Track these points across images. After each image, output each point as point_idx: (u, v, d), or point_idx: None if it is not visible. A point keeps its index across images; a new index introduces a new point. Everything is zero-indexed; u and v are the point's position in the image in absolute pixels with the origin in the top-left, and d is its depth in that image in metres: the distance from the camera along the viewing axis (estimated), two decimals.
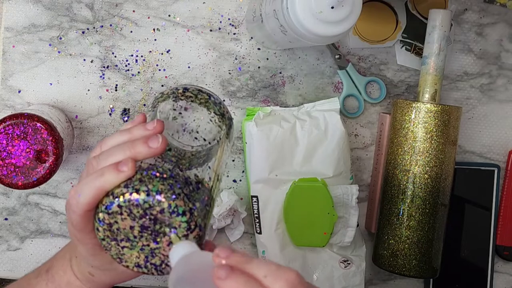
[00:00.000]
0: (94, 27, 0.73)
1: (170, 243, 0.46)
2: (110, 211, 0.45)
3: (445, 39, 0.72)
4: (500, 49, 0.81)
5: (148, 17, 0.74)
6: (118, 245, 0.46)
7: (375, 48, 0.78)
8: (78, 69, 0.73)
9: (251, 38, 0.76)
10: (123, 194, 0.44)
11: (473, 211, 0.79)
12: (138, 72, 0.74)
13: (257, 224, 0.73)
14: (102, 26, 0.73)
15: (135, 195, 0.44)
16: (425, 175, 0.71)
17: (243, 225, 0.77)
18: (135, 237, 0.46)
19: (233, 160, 0.77)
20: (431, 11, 0.73)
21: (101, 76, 0.74)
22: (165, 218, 0.45)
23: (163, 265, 0.48)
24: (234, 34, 0.75)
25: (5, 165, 0.61)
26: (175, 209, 0.45)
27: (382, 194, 0.75)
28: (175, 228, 0.45)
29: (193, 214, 0.45)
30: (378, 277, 0.80)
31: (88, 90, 0.74)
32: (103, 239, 0.46)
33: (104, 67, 0.74)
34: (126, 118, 0.74)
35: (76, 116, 0.74)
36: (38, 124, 0.62)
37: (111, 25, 0.73)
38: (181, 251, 0.43)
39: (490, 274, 0.80)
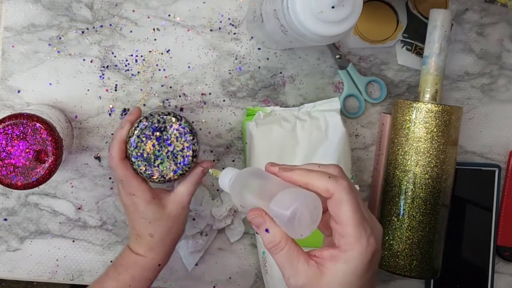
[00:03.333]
0: (93, 27, 0.73)
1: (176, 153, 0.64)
2: (135, 140, 0.64)
3: (446, 39, 0.72)
4: (501, 49, 0.81)
5: (148, 17, 0.74)
6: (151, 165, 0.64)
7: (375, 48, 0.78)
8: (77, 69, 0.73)
9: (251, 38, 0.75)
10: (136, 128, 0.64)
11: (474, 212, 0.79)
12: (138, 72, 0.74)
13: None
14: (101, 26, 0.73)
15: (143, 121, 0.64)
16: (426, 175, 0.71)
17: (243, 225, 0.77)
18: (158, 151, 0.64)
19: (233, 160, 0.77)
20: (432, 11, 0.73)
21: (100, 76, 0.74)
22: (168, 128, 0.64)
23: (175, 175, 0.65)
24: (234, 34, 0.75)
25: (5, 165, 0.61)
26: (174, 121, 0.64)
27: (383, 194, 0.74)
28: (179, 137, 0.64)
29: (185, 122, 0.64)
30: (378, 278, 0.80)
31: (88, 90, 0.74)
32: (140, 168, 0.64)
33: (103, 67, 0.73)
34: None
35: (76, 116, 0.74)
36: (38, 124, 0.61)
37: (110, 25, 0.73)
38: (230, 172, 0.54)
39: (491, 275, 0.79)
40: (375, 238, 0.45)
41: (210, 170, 0.61)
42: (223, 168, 0.56)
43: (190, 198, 0.66)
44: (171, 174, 0.65)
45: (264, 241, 0.48)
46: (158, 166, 0.64)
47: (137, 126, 0.64)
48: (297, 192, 0.47)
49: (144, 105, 0.74)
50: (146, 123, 0.64)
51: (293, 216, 0.45)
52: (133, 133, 0.64)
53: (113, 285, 0.65)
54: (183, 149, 0.64)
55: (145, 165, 0.64)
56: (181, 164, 0.65)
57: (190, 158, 0.65)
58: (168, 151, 0.64)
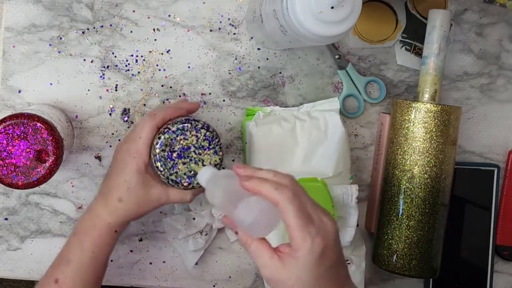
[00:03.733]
0: (94, 27, 0.73)
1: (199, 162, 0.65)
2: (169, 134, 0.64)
3: (445, 39, 0.72)
4: (500, 49, 0.81)
5: (148, 17, 0.74)
6: (172, 159, 0.64)
7: (375, 48, 0.78)
8: (78, 69, 0.73)
9: (251, 38, 0.76)
10: (186, 118, 0.65)
11: (473, 211, 0.79)
12: (138, 72, 0.74)
13: None
14: (102, 26, 0.73)
15: (195, 122, 0.65)
16: (425, 175, 0.71)
17: None
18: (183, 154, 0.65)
19: (233, 160, 0.77)
20: (431, 11, 0.73)
21: (101, 76, 0.74)
22: (200, 138, 0.65)
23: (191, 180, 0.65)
24: (234, 34, 0.75)
25: (5, 165, 0.61)
26: (205, 129, 0.65)
27: (382, 194, 0.75)
28: (209, 148, 0.65)
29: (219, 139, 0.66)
30: (378, 277, 0.80)
31: (88, 90, 0.74)
32: (160, 155, 0.64)
33: (104, 67, 0.74)
34: (126, 118, 0.75)
35: (76, 116, 0.74)
36: (38, 124, 0.62)
37: (111, 25, 0.73)
38: (208, 171, 0.60)
39: (490, 274, 0.80)
40: (322, 237, 0.53)
41: (191, 165, 0.64)
42: (203, 165, 0.64)
43: (174, 203, 0.70)
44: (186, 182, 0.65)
45: (238, 239, 0.59)
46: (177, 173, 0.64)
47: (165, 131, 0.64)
48: (257, 201, 0.53)
49: (144, 105, 0.75)
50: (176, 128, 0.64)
51: (252, 223, 0.52)
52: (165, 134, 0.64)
53: (78, 255, 0.64)
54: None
55: (165, 166, 0.64)
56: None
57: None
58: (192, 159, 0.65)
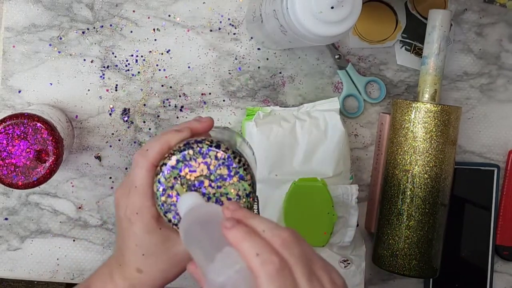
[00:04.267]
0: (94, 27, 0.73)
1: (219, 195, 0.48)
2: (180, 159, 0.47)
3: (444, 39, 0.72)
4: (500, 49, 0.81)
5: (148, 17, 0.74)
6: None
7: (375, 48, 0.78)
8: (78, 69, 0.73)
9: (251, 38, 0.76)
10: (186, 142, 0.48)
11: (473, 211, 0.79)
12: (138, 72, 0.74)
13: None
14: (102, 26, 0.73)
15: (197, 145, 0.47)
16: (425, 175, 0.71)
17: None
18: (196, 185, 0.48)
19: None
20: (431, 11, 0.73)
21: (101, 76, 0.74)
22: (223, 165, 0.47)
23: None
24: (234, 34, 0.75)
25: (5, 165, 0.62)
26: (232, 158, 0.48)
27: (382, 194, 0.75)
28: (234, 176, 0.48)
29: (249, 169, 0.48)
30: (378, 277, 0.80)
31: (88, 90, 0.74)
32: (164, 191, 0.48)
33: (104, 67, 0.74)
34: (126, 118, 0.75)
35: (76, 116, 0.74)
36: (38, 124, 0.62)
37: (111, 25, 0.73)
38: (189, 201, 0.46)
39: (490, 274, 0.80)
40: None
41: (176, 185, 0.48)
42: (187, 190, 0.48)
43: None
44: None
45: None
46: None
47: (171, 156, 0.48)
48: (232, 262, 0.41)
49: (144, 105, 0.75)
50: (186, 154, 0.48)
51: (223, 284, 0.40)
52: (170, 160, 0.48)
53: None
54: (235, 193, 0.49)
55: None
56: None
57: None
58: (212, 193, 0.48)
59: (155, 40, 0.74)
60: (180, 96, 0.75)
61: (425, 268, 0.72)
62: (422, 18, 0.78)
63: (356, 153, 0.79)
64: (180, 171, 0.47)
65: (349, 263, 0.74)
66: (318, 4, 0.56)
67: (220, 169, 0.47)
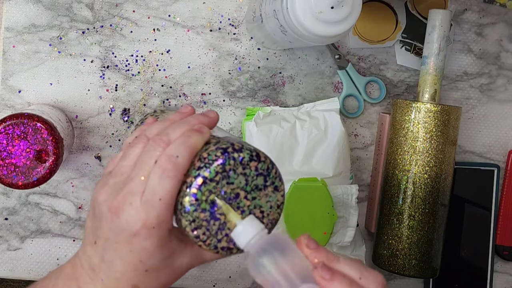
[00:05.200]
0: (94, 27, 0.73)
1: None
2: (216, 169, 0.42)
3: (444, 39, 0.72)
4: (499, 49, 0.81)
5: (148, 17, 0.74)
6: (217, 218, 0.43)
7: (374, 48, 0.78)
8: (78, 69, 0.73)
9: (251, 38, 0.76)
10: (222, 149, 0.42)
11: (473, 211, 0.79)
12: (138, 72, 0.74)
13: None
14: (102, 26, 0.73)
15: (238, 154, 0.42)
16: (425, 175, 0.71)
17: None
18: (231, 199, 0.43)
19: None
20: (431, 11, 0.73)
21: (101, 76, 0.74)
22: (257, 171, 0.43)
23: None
24: (234, 34, 0.75)
25: (5, 165, 0.62)
26: (270, 165, 0.44)
27: (382, 194, 0.75)
28: (272, 186, 0.44)
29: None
30: None
31: (88, 90, 0.74)
32: (195, 210, 0.42)
33: (104, 67, 0.74)
34: (126, 118, 0.75)
35: (76, 116, 0.74)
36: (38, 124, 0.62)
37: (111, 25, 0.73)
38: (252, 231, 0.42)
39: (490, 274, 0.80)
40: None
41: (224, 206, 0.43)
42: (242, 214, 0.43)
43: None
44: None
45: None
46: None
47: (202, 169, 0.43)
48: None
49: (144, 105, 0.75)
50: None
51: None
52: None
53: None
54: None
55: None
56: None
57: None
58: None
59: (155, 40, 0.74)
60: (180, 96, 0.75)
61: (425, 268, 0.72)
62: (422, 18, 0.78)
63: (356, 153, 0.79)
64: (218, 183, 0.42)
65: None
66: (318, 4, 0.56)
67: (257, 179, 0.43)
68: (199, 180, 0.42)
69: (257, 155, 0.43)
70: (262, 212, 0.44)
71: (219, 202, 0.42)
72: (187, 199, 0.42)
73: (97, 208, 0.45)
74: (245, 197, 0.43)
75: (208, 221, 0.43)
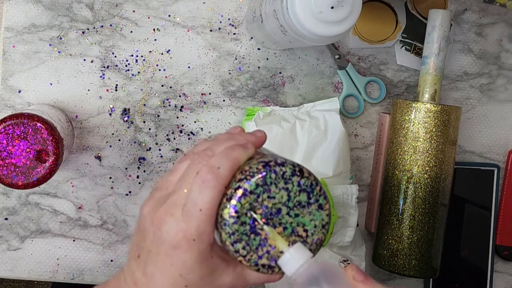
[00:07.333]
0: (94, 27, 0.73)
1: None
2: (259, 183, 0.42)
3: (444, 39, 0.72)
4: (499, 49, 0.81)
5: (148, 17, 0.74)
6: (258, 233, 0.42)
7: (374, 48, 0.78)
8: (78, 69, 0.73)
9: (251, 38, 0.76)
10: (263, 163, 0.42)
11: (473, 211, 0.79)
12: (138, 72, 0.74)
13: None
14: (102, 26, 0.73)
15: (280, 168, 0.42)
16: (425, 175, 0.71)
17: None
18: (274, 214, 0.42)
19: None
20: (431, 11, 0.73)
21: (101, 76, 0.74)
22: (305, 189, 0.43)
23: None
24: (234, 34, 0.75)
25: (5, 165, 0.62)
26: (314, 182, 0.43)
27: (382, 194, 0.75)
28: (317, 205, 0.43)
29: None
30: (377, 277, 0.80)
31: (88, 90, 0.74)
32: (235, 223, 0.42)
33: (104, 67, 0.74)
34: (126, 118, 0.75)
35: (76, 116, 0.74)
36: (38, 124, 0.62)
37: (111, 25, 0.73)
38: (300, 259, 0.41)
39: (490, 274, 0.80)
40: None
41: (270, 232, 0.42)
42: (291, 240, 0.42)
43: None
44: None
45: None
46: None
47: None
48: None
49: (144, 105, 0.75)
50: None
51: None
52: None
53: None
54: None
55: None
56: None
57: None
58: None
59: (155, 40, 0.74)
60: (180, 96, 0.75)
61: (425, 268, 0.72)
62: (422, 18, 0.78)
63: (356, 153, 0.79)
64: (258, 196, 0.41)
65: (349, 263, 0.74)
66: (318, 4, 0.56)
67: (299, 195, 0.43)
68: (239, 192, 0.42)
69: (300, 171, 0.43)
70: (306, 231, 0.43)
71: (265, 227, 0.42)
72: (226, 211, 0.42)
73: (142, 221, 0.46)
74: (288, 213, 0.42)
75: (248, 235, 0.42)
